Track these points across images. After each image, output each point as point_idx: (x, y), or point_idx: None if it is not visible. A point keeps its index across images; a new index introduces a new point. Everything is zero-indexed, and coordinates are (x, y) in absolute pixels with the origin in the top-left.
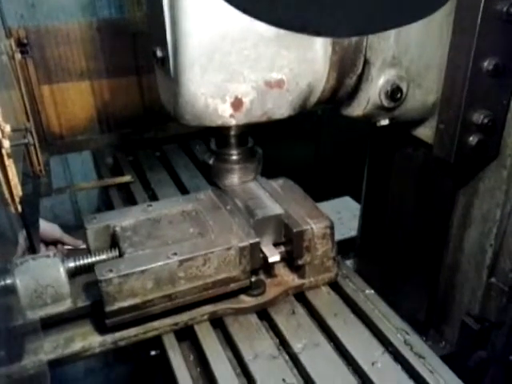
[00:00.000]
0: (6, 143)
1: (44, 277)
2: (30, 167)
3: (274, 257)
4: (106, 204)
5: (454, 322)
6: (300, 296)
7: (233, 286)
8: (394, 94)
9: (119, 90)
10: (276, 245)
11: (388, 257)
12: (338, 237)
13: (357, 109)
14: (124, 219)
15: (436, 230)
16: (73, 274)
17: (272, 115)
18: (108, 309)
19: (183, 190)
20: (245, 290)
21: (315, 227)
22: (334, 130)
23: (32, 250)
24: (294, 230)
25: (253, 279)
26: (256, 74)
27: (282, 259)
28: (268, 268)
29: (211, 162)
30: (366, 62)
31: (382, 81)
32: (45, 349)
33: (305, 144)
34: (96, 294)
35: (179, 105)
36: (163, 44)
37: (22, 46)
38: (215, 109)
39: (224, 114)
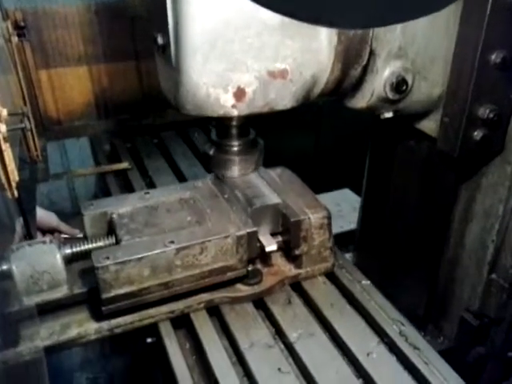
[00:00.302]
0: (3, 127)
1: (40, 263)
2: (27, 152)
3: (271, 246)
4: (103, 191)
5: (453, 317)
6: (296, 286)
7: (229, 274)
8: (400, 86)
9: (117, 75)
10: (273, 234)
11: (388, 250)
12: (337, 229)
13: (361, 101)
14: (121, 206)
15: (437, 224)
16: (69, 260)
17: (275, 106)
18: (104, 296)
19: (181, 178)
20: (241, 279)
21: (312, 217)
22: (334, 120)
23: (29, 236)
24: (292, 220)
25: (249, 268)
26: (259, 63)
27: (279, 249)
28: (265, 257)
29: (211, 152)
30: (372, 53)
31: (387, 72)
32: (41, 335)
33: (305, 134)
34: (92, 281)
35: (180, 94)
36: (164, 30)
37: (19, 28)
38: (217, 98)
39: (226, 104)
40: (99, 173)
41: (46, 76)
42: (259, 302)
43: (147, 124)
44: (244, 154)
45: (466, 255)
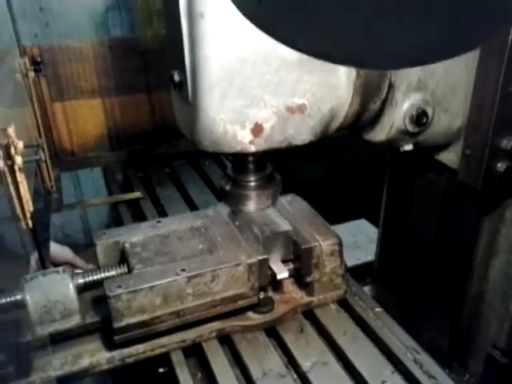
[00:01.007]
0: (19, 159)
1: (54, 293)
2: (42, 183)
3: (282, 274)
4: (116, 222)
5: (479, 354)
6: (309, 313)
7: (241, 302)
8: (420, 118)
9: (130, 108)
10: (284, 261)
11: (408, 284)
12: (354, 261)
13: (380, 134)
14: (133, 235)
15: (460, 257)
16: (82, 289)
17: (292, 141)
18: (116, 325)
19: (192, 206)
20: (253, 307)
21: (323, 244)
22: (348, 151)
23: (42, 265)
24: (303, 247)
25: (261, 296)
26: (277, 99)
27: (291, 276)
28: (276, 285)
29: (228, 187)
30: (391, 86)
31: (406, 105)
32: (53, 365)
33: (319, 165)
34: (104, 310)
35: (197, 130)
36: (181, 68)
37: (36, 64)
38: (234, 135)
39: (243, 140)
40: (112, 202)
41: (61, 108)
42: (271, 331)
43: (159, 154)
44: (261, 189)
45: (490, 289)
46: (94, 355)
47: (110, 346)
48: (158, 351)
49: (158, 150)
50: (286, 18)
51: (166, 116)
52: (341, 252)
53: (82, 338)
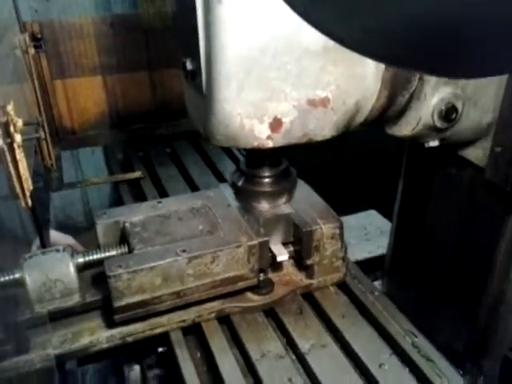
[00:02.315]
0: (18, 137)
1: (53, 271)
2: (42, 161)
3: (282, 256)
4: (116, 203)
5: (496, 356)
6: (308, 296)
7: (241, 284)
8: (449, 113)
9: (131, 86)
10: (285, 244)
11: (423, 281)
12: (365, 255)
13: (405, 129)
14: (134, 215)
15: (481, 256)
16: (82, 269)
17: (313, 136)
18: (116, 304)
19: (193, 187)
20: (253, 289)
21: (324, 227)
22: (358, 135)
23: (42, 244)
24: (303, 230)
25: (261, 278)
26: (299, 91)
27: (291, 258)
28: (276, 267)
29: (240, 183)
30: (421, 79)
31: (436, 99)
32: (53, 343)
33: (326, 149)
34: (104, 289)
35: (211, 124)
36: (195, 56)
37: (36, 40)
38: (251, 130)
39: (261, 135)
40: (112, 182)
41: (61, 86)
42: (270, 312)
43: (160, 134)
44: (276, 185)
45: (511, 290)
46: (93, 333)
47: (110, 324)
48: (157, 331)
49: (159, 130)
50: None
51: (167, 95)
52: (341, 235)
53: (81, 316)
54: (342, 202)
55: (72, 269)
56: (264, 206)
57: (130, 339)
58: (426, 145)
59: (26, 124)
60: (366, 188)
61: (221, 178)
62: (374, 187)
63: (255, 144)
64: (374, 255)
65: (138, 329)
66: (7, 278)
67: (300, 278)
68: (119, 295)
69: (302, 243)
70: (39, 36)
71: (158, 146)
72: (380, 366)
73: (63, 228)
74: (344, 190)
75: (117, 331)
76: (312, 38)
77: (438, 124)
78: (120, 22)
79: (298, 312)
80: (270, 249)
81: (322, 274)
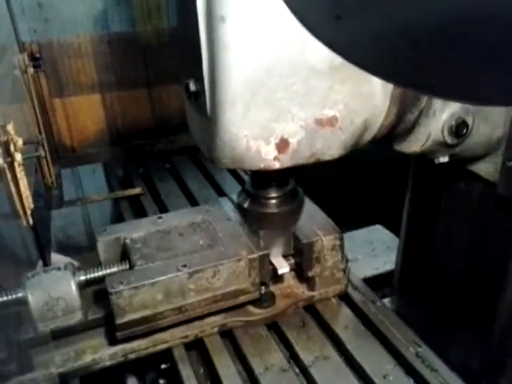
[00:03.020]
0: (19, 156)
1: (55, 289)
2: (42, 179)
3: (283, 269)
4: (117, 219)
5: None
6: (310, 308)
7: (242, 298)
8: (459, 129)
9: (130, 103)
10: (285, 256)
11: (434, 298)
12: (372, 271)
13: (414, 145)
14: (134, 231)
15: (493, 272)
16: (83, 286)
17: (321, 156)
18: (118, 321)
19: (193, 202)
20: (254, 302)
21: (325, 239)
22: (361, 151)
23: (43, 262)
24: (304, 242)
25: (262, 291)
26: (306, 111)
27: (292, 271)
28: (277, 280)
29: (246, 205)
30: None
31: (445, 115)
32: (56, 362)
33: (329, 165)
34: (106, 306)
35: (216, 147)
36: (198, 77)
37: (35, 60)
38: (258, 151)
39: (267, 156)
40: (113, 200)
41: (61, 104)
42: (273, 325)
43: (159, 149)
44: (283, 206)
45: None
46: (96, 351)
47: (113, 341)
48: (160, 347)
49: (158, 146)
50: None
51: (165, 111)
52: (342, 246)
53: (84, 334)
54: (347, 217)
55: (74, 287)
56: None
57: (132, 356)
58: (436, 161)
59: (25, 143)
60: (371, 202)
61: (220, 192)
62: (379, 201)
63: (262, 166)
64: (382, 271)
65: (140, 345)
66: (10, 297)
67: (301, 290)
68: (121, 312)
69: (302, 255)
70: (38, 55)
71: (158, 162)
72: (384, 377)
73: (64, 248)
74: (348, 204)
75: (119, 348)
76: (317, 56)
77: (448, 140)
78: (118, 39)
79: (301, 325)
80: (270, 262)
81: (324, 285)
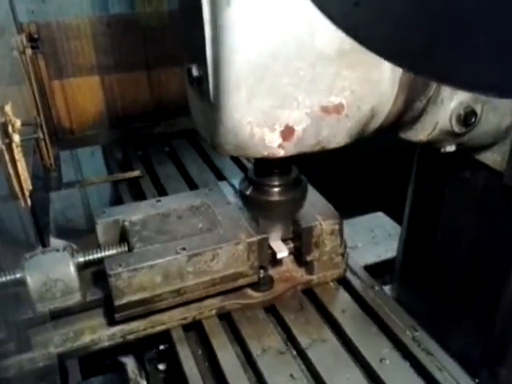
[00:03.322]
0: (17, 137)
1: (54, 271)
2: (41, 161)
3: (282, 253)
4: (116, 203)
5: None
6: (308, 292)
7: (241, 281)
8: (468, 118)
9: (129, 85)
10: (284, 240)
11: (436, 287)
12: (373, 259)
13: (420, 134)
14: (133, 214)
15: (497, 261)
16: (82, 268)
17: (326, 144)
18: (117, 303)
19: (192, 185)
20: (253, 286)
21: (324, 223)
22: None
23: (42, 243)
24: (303, 226)
25: (261, 275)
26: (312, 98)
27: (291, 255)
28: (276, 263)
29: (248, 192)
30: None
31: (454, 103)
32: (54, 342)
33: (330, 151)
34: (105, 288)
35: (219, 133)
36: (201, 61)
37: (33, 41)
38: (262, 138)
39: (271, 144)
40: (112, 182)
41: (59, 86)
42: (271, 308)
43: (158, 132)
44: (286, 194)
45: None
46: (95, 332)
47: (111, 322)
48: (158, 328)
49: (157, 128)
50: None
51: (164, 93)
52: (341, 231)
53: (82, 314)
54: (347, 203)
55: (72, 268)
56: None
57: (131, 337)
58: (443, 150)
59: (24, 124)
60: (372, 189)
61: (219, 176)
62: (380, 188)
63: (265, 153)
64: (383, 259)
65: (139, 327)
66: (8, 277)
67: (300, 274)
68: (120, 294)
69: (301, 239)
70: (36, 37)
71: (157, 145)
72: (381, 360)
73: (64, 231)
74: (349, 190)
75: (118, 329)
76: (326, 41)
77: (456, 129)
78: (117, 21)
79: (299, 308)
80: (269, 245)
81: (322, 269)
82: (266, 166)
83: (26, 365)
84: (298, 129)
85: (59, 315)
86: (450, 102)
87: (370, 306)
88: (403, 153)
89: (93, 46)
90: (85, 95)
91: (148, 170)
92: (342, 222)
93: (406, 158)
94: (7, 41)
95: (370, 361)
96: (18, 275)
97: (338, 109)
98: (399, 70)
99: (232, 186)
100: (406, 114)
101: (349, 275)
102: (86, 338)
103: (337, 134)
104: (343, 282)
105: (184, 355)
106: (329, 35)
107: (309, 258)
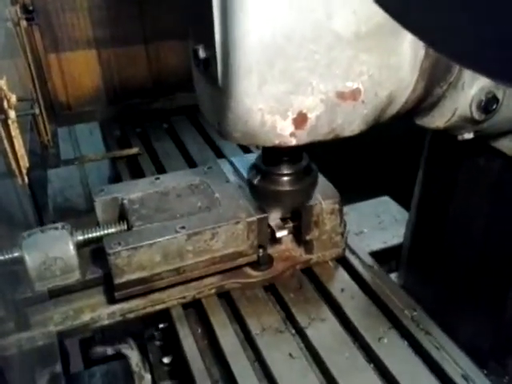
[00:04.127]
0: (12, 113)
1: (53, 249)
2: (38, 138)
3: (281, 232)
4: (115, 181)
5: None
6: (307, 271)
7: (240, 260)
8: (489, 104)
9: (126, 60)
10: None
11: (445, 274)
12: (380, 245)
13: (437, 120)
14: (132, 192)
15: (509, 250)
16: (81, 246)
17: (340, 132)
18: (117, 281)
19: (191, 163)
20: (252, 265)
21: (324, 202)
22: None
23: (40, 222)
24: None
25: (260, 254)
26: (327, 83)
27: (290, 234)
28: (276, 243)
29: (256, 181)
30: (460, 67)
31: (475, 89)
32: (54, 320)
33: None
34: (104, 266)
35: (227, 120)
36: (208, 42)
37: (28, 12)
38: (273, 126)
39: (283, 132)
40: (110, 160)
41: (56, 60)
42: (270, 287)
43: (157, 109)
44: (296, 183)
45: None
46: (94, 310)
47: (111, 301)
48: (158, 307)
49: (156, 105)
50: None
51: (163, 69)
52: (341, 210)
53: (82, 293)
54: (352, 187)
55: (71, 246)
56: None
57: (130, 316)
58: (460, 137)
59: (20, 100)
60: (378, 172)
61: (219, 154)
62: (385, 172)
63: (276, 142)
64: (390, 245)
65: (138, 305)
66: (6, 256)
67: (299, 253)
68: (119, 272)
69: (301, 219)
70: (31, 8)
71: (156, 122)
72: (379, 339)
73: (63, 211)
74: (354, 174)
75: (117, 308)
76: (344, 23)
77: (476, 116)
78: None
79: (298, 287)
80: (269, 225)
81: (321, 249)
82: (275, 155)
83: (26, 343)
84: (312, 116)
85: (59, 294)
86: (470, 88)
87: (369, 285)
88: (409, 136)
89: (89, 19)
90: (81, 69)
91: (147, 148)
92: (341, 201)
93: (412, 140)
94: (1, 11)
95: (369, 340)
96: (16, 254)
97: (355, 95)
98: (420, 55)
99: (231, 163)
100: (426, 100)
101: (348, 254)
102: (86, 317)
103: (352, 122)
104: (342, 261)
105: (183, 334)
106: (347, 17)
107: (308, 237)
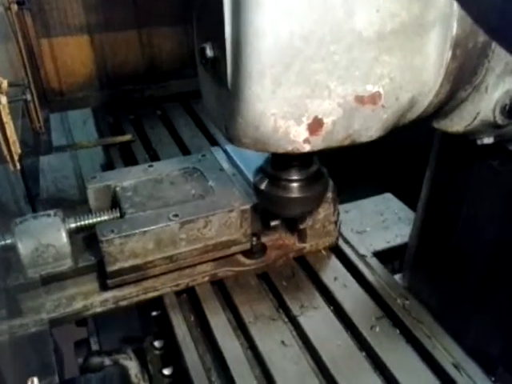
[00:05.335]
0: (4, 99)
1: (45, 236)
2: (30, 125)
3: (274, 220)
4: (108, 168)
5: None
6: (300, 259)
7: (234, 248)
8: None
9: (119, 45)
10: None
11: (453, 277)
12: (383, 245)
13: (457, 124)
14: (125, 179)
15: None
16: (74, 233)
17: (357, 138)
18: (109, 269)
19: (184, 150)
20: (245, 253)
21: None
22: None
23: (32, 208)
24: None
25: (254, 242)
26: (346, 86)
27: (284, 222)
28: (269, 231)
29: (263, 187)
30: (488, 69)
31: (499, 92)
32: (46, 307)
33: None
34: (97, 253)
35: (237, 125)
36: (217, 40)
37: None
38: (286, 132)
39: (297, 138)
40: (103, 147)
41: (48, 45)
42: (263, 275)
43: (150, 95)
44: (306, 189)
45: None
46: (87, 298)
47: (104, 288)
48: (151, 295)
49: (149, 91)
50: None
51: (156, 55)
52: (334, 199)
53: (74, 280)
54: (355, 183)
55: (64, 233)
56: None
57: (123, 303)
58: (479, 142)
59: (11, 85)
60: (380, 168)
61: (213, 141)
62: (388, 167)
63: (289, 148)
64: (393, 245)
65: (131, 293)
66: None
67: (292, 241)
68: (112, 260)
69: None
70: None
71: (149, 108)
72: (371, 327)
73: (56, 201)
74: (355, 170)
75: (110, 295)
76: (366, 22)
77: (499, 120)
78: None
79: (291, 275)
80: (262, 212)
81: (315, 237)
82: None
83: (18, 331)
84: (328, 121)
85: (51, 281)
86: (494, 91)
87: (362, 274)
88: (413, 132)
89: (82, 4)
90: (74, 55)
91: (140, 134)
92: (335, 190)
93: (416, 137)
94: None
95: (361, 328)
96: (8, 241)
97: (375, 99)
98: (446, 56)
99: (225, 151)
100: (449, 104)
101: (341, 243)
102: (78, 304)
103: (370, 127)
104: (335, 250)
105: (176, 321)
106: (370, 15)
107: (301, 226)
